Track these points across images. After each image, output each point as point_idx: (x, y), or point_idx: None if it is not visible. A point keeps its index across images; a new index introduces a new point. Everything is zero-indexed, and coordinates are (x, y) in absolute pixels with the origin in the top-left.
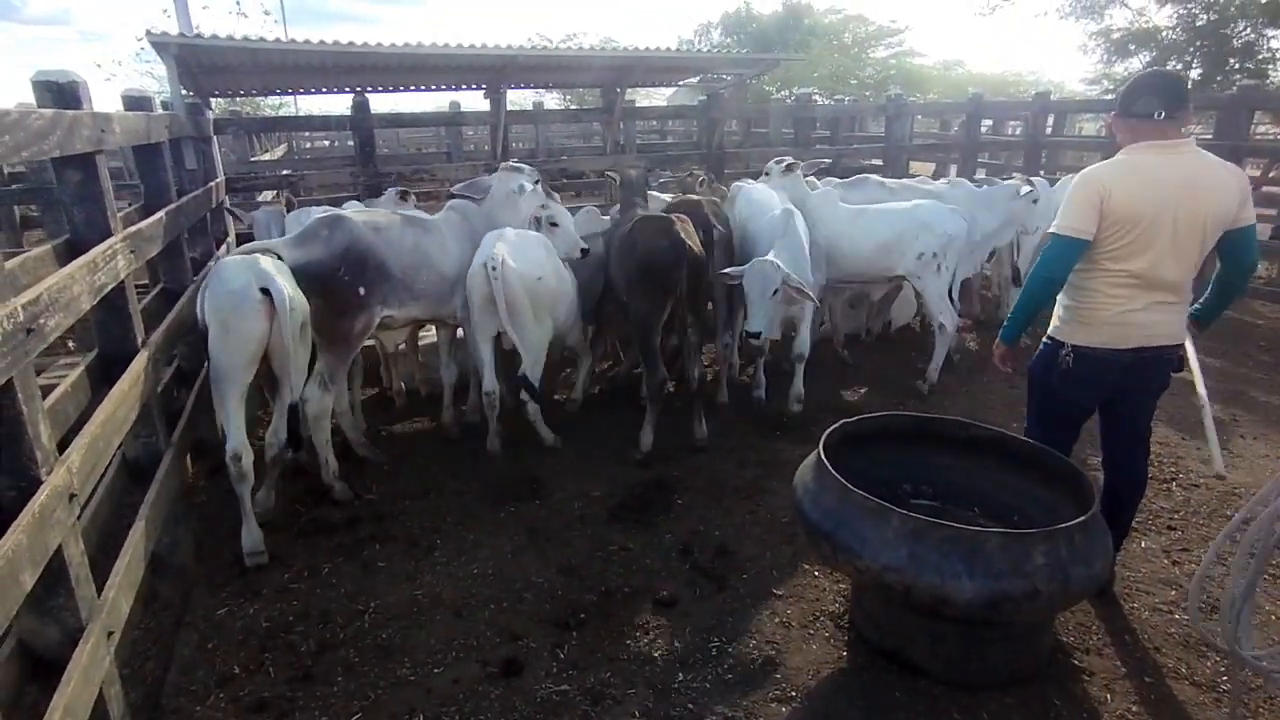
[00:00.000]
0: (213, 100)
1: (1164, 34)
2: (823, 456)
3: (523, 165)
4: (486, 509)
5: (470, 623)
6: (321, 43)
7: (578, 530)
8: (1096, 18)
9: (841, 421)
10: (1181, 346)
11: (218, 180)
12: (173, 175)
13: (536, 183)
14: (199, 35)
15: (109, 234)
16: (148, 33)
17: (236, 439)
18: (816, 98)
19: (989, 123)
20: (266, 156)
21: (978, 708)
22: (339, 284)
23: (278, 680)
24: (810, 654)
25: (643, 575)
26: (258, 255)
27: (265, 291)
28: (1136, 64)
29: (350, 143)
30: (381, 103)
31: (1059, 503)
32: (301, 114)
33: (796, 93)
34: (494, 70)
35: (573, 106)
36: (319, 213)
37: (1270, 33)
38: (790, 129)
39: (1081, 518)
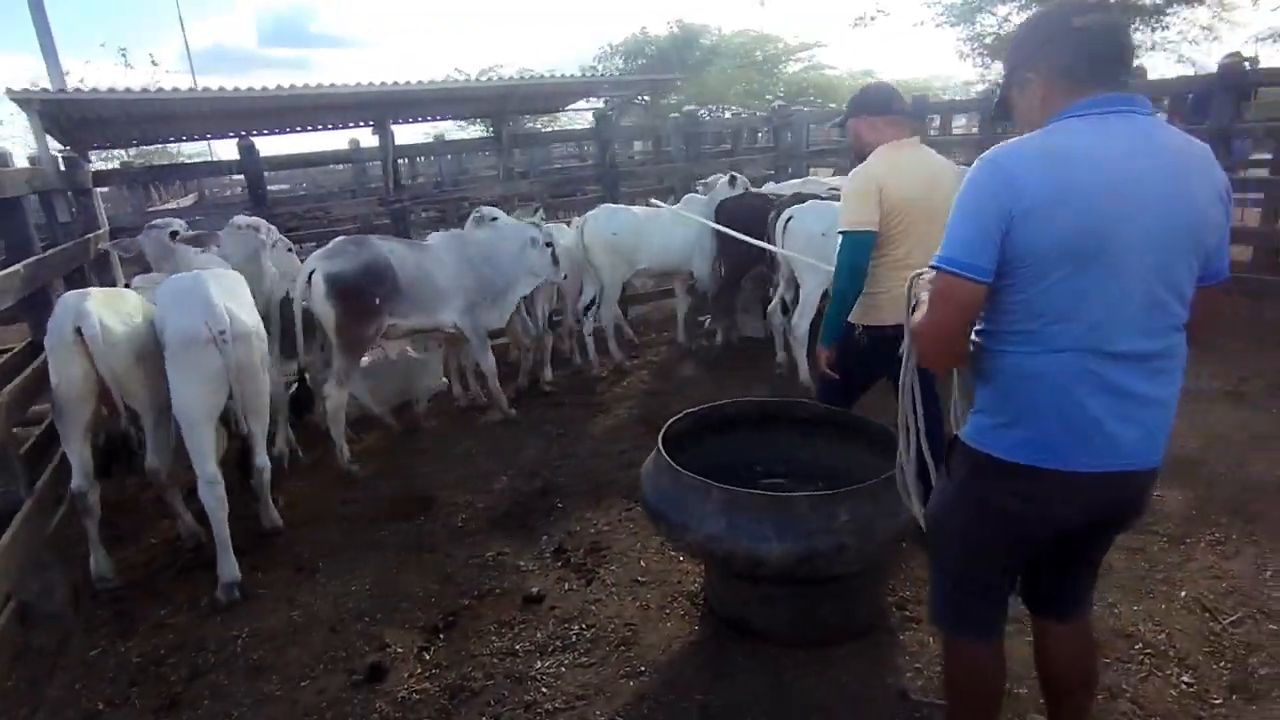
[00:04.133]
0: (127, 151)
1: None
2: (660, 443)
3: (538, 222)
4: (374, 530)
5: (343, 636)
6: (191, 90)
7: (460, 541)
8: (969, 24)
9: (686, 411)
10: None
11: (99, 231)
12: (42, 229)
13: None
14: (62, 90)
15: None
16: (8, 90)
17: (79, 475)
18: (728, 113)
19: None
20: (171, 205)
21: (814, 662)
22: (360, 291)
23: (144, 712)
24: (664, 631)
25: (515, 576)
26: (88, 292)
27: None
28: None
29: (285, 186)
30: (289, 144)
31: (887, 467)
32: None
33: (684, 110)
34: (376, 107)
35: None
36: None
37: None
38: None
39: (885, 475)
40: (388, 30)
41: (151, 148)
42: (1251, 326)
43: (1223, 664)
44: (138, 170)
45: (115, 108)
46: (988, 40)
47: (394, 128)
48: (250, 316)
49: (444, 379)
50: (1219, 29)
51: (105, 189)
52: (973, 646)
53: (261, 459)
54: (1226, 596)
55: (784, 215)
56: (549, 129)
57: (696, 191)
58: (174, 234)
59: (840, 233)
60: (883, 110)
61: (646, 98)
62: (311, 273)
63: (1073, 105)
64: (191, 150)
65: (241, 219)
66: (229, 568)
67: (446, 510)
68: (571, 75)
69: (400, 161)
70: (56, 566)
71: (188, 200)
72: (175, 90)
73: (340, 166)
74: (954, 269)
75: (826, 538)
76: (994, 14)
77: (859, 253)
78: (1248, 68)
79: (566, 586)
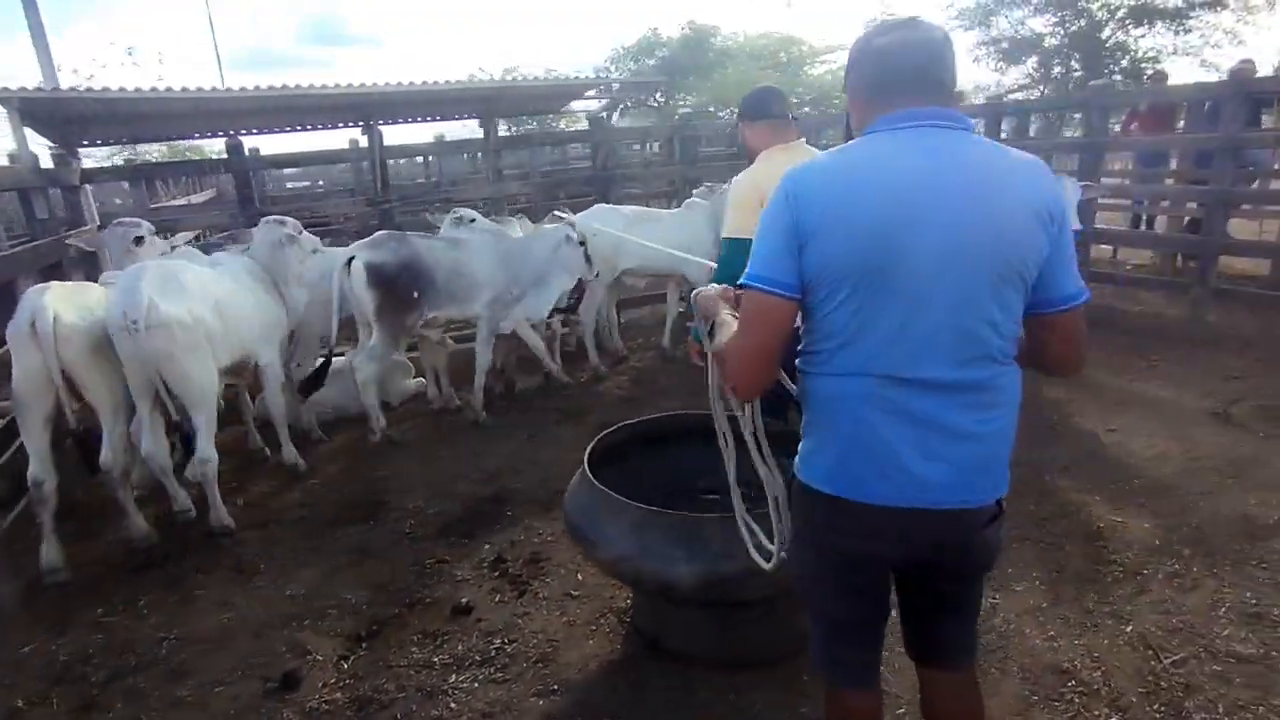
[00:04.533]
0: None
1: (1046, 40)
2: (586, 455)
3: (570, 220)
4: (322, 533)
5: (267, 642)
6: (169, 90)
7: (404, 547)
8: (984, 28)
9: (620, 424)
10: None
11: (84, 229)
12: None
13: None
14: (40, 89)
15: None
16: None
17: (37, 465)
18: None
19: None
20: (181, 201)
21: (730, 687)
22: (398, 284)
23: (60, 712)
24: (585, 649)
25: (450, 586)
26: (49, 286)
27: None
28: (1027, 69)
29: (304, 183)
30: (295, 143)
31: None
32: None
33: (680, 112)
34: (364, 108)
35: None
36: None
37: (1136, 32)
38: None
39: None
40: (415, 29)
41: (183, 144)
42: (1256, 344)
43: (1156, 705)
44: (125, 168)
45: (100, 106)
46: (1003, 45)
47: (397, 128)
48: (180, 307)
49: (421, 380)
50: (1243, 33)
51: (126, 184)
52: (849, 695)
53: (204, 451)
54: (1174, 634)
55: None
56: (573, 129)
57: (694, 195)
58: (139, 239)
59: (724, 238)
60: (759, 115)
61: (661, 98)
62: (351, 259)
63: (876, 121)
64: (221, 146)
65: (273, 216)
66: (138, 524)
67: (397, 515)
68: (560, 77)
69: (416, 160)
70: (7, 562)
71: (201, 197)
72: (154, 90)
73: (361, 164)
74: (758, 285)
75: (734, 561)
76: (1008, 17)
77: (738, 257)
78: (1262, 75)
79: (498, 598)
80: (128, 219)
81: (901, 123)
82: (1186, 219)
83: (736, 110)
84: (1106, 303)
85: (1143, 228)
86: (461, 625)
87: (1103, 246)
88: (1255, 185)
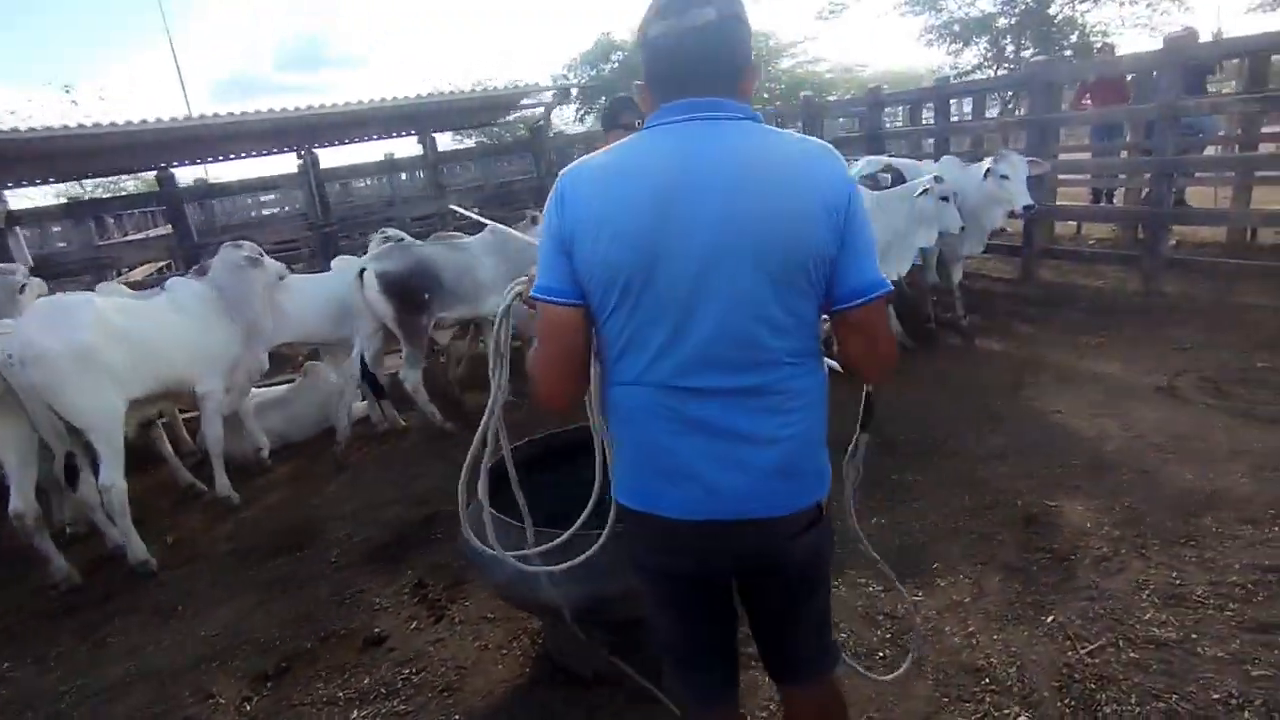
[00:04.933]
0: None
1: (998, 20)
2: (482, 477)
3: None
4: (248, 567)
5: (173, 688)
6: (82, 125)
7: (327, 578)
8: (934, 12)
9: (527, 439)
10: None
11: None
12: None
13: None
14: None
15: None
16: None
17: None
18: None
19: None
20: (139, 236)
21: (632, 710)
22: (411, 287)
23: None
24: (493, 675)
25: (367, 615)
26: None
27: None
28: (980, 51)
29: (272, 210)
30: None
31: None
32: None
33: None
34: (299, 132)
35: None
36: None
37: (1082, 7)
38: None
39: None
40: (390, 47)
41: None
42: (1207, 314)
43: (1068, 700)
44: (55, 208)
45: (22, 146)
46: (954, 28)
47: (346, 148)
48: (59, 339)
49: (364, 404)
50: None
51: (115, 222)
52: (700, 717)
53: (107, 477)
54: (1094, 621)
55: None
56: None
57: None
58: (22, 288)
59: None
60: (612, 124)
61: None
62: (363, 271)
63: (655, 115)
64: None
65: (230, 241)
66: (59, 564)
67: (325, 544)
68: (500, 87)
69: (382, 180)
70: None
71: (160, 230)
72: (67, 126)
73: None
74: (541, 295)
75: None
76: None
77: None
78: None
79: (414, 625)
80: (4, 265)
81: (670, 117)
82: (1145, 191)
83: None
84: (1067, 279)
85: (1104, 202)
86: (373, 657)
87: (1069, 223)
88: (1215, 151)
